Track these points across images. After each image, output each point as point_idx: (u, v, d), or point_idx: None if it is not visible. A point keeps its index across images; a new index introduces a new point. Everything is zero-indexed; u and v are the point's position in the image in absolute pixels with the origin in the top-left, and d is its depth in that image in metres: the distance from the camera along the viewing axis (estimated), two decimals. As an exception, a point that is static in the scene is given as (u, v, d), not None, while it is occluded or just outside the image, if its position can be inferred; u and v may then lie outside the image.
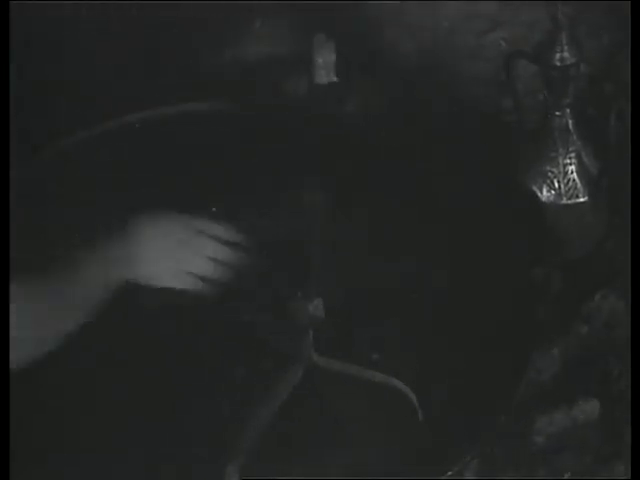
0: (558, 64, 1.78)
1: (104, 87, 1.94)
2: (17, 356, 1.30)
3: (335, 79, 1.23)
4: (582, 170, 1.86)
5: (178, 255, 1.48)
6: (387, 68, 1.90)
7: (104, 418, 1.50)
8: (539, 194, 1.85)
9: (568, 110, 1.84)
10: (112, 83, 1.96)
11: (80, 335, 1.43)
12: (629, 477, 1.39)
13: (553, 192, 1.86)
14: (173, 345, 1.59)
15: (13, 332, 1.25)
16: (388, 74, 1.87)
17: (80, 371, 1.52)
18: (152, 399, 1.53)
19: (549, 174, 1.86)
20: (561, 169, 1.86)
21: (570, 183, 1.85)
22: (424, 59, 2.06)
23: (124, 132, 1.89)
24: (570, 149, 1.85)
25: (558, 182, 1.85)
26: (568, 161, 1.86)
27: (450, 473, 1.48)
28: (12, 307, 1.26)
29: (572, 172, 1.86)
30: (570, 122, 1.85)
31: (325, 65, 1.22)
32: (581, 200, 1.86)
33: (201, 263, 1.49)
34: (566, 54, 1.77)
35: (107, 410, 1.51)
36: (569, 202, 1.85)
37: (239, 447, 1.45)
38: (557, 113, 1.84)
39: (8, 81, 1.35)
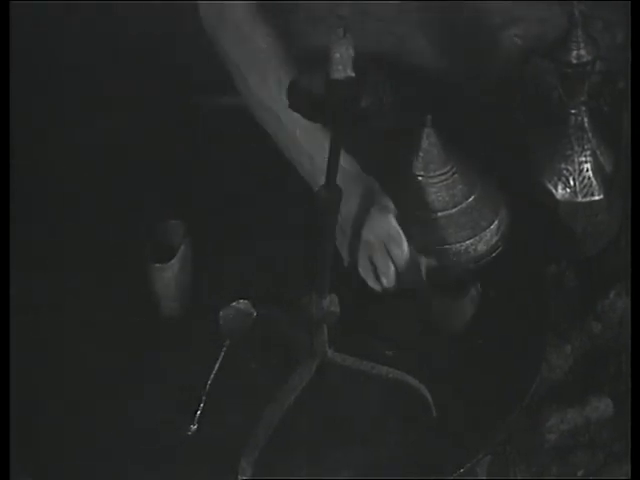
0: (574, 61, 1.77)
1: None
2: None
3: (352, 74, 1.22)
4: (597, 168, 1.85)
5: None
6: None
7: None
8: (554, 192, 1.85)
9: (583, 108, 1.84)
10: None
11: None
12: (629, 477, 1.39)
13: (568, 190, 1.85)
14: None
15: None
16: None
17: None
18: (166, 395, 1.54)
19: (564, 172, 1.85)
20: (576, 167, 1.85)
21: (585, 181, 1.85)
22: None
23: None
24: (585, 147, 1.85)
25: (573, 180, 1.85)
26: (583, 159, 1.85)
27: (462, 470, 1.48)
28: None
29: (587, 170, 1.85)
30: (585, 120, 1.84)
31: (342, 60, 1.21)
32: (596, 198, 1.85)
33: None
34: (582, 51, 1.77)
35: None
36: (584, 200, 1.85)
37: (252, 442, 1.45)
38: (572, 111, 1.84)
39: (8, 81, 1.35)
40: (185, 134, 1.94)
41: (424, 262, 1.54)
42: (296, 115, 1.28)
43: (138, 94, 1.97)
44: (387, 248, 1.50)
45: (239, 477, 1.43)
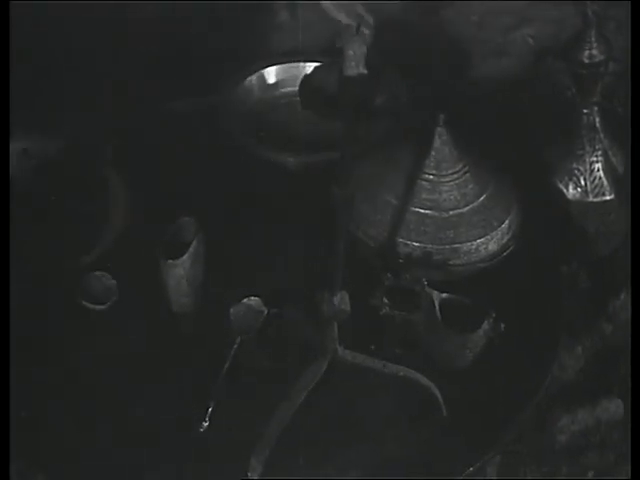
0: (586, 61, 1.77)
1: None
2: None
3: (365, 71, 1.22)
4: (608, 168, 1.86)
5: None
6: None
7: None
8: (565, 192, 1.85)
9: (596, 108, 1.84)
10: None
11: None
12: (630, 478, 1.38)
13: (579, 190, 1.85)
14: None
15: None
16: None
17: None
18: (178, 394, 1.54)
19: (575, 172, 1.85)
20: (587, 167, 1.85)
21: (596, 181, 1.85)
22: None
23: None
24: (597, 147, 1.85)
25: (584, 180, 1.85)
26: (595, 159, 1.85)
27: (472, 469, 1.47)
28: None
29: (598, 170, 1.85)
30: (597, 120, 1.84)
31: (355, 57, 1.21)
32: (607, 198, 1.85)
33: None
34: (595, 51, 1.77)
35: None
36: (595, 200, 1.85)
37: (263, 440, 1.45)
38: (585, 111, 1.84)
39: (8, 79, 1.35)
40: (196, 131, 1.95)
41: (437, 297, 1.54)
42: None
43: (139, 94, 1.97)
44: None
45: (249, 475, 1.43)
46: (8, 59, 1.35)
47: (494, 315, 1.52)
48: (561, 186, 1.85)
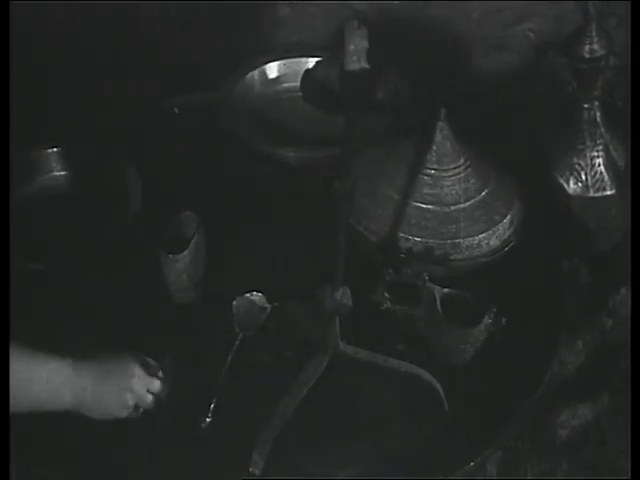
0: (587, 56, 1.77)
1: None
2: None
3: (366, 66, 1.22)
4: (609, 163, 1.85)
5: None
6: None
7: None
8: (566, 186, 1.85)
9: (596, 103, 1.83)
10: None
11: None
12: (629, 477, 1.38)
13: (580, 185, 1.85)
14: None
15: None
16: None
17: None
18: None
19: (576, 167, 1.85)
20: (588, 162, 1.85)
21: (597, 176, 1.85)
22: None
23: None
24: (598, 142, 1.84)
25: (585, 175, 1.85)
26: (595, 154, 1.85)
27: (472, 464, 1.47)
28: None
29: (599, 165, 1.85)
30: (598, 115, 1.84)
31: (357, 52, 1.21)
32: (608, 193, 1.85)
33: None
34: (595, 46, 1.76)
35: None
36: (596, 195, 1.85)
37: (265, 435, 1.45)
38: (585, 106, 1.83)
39: (8, 81, 1.34)
40: (197, 127, 1.95)
41: (438, 292, 1.54)
42: None
43: (139, 93, 1.97)
44: None
45: (250, 470, 1.43)
46: (8, 59, 1.35)
47: (495, 310, 1.52)
48: (562, 181, 1.85)
